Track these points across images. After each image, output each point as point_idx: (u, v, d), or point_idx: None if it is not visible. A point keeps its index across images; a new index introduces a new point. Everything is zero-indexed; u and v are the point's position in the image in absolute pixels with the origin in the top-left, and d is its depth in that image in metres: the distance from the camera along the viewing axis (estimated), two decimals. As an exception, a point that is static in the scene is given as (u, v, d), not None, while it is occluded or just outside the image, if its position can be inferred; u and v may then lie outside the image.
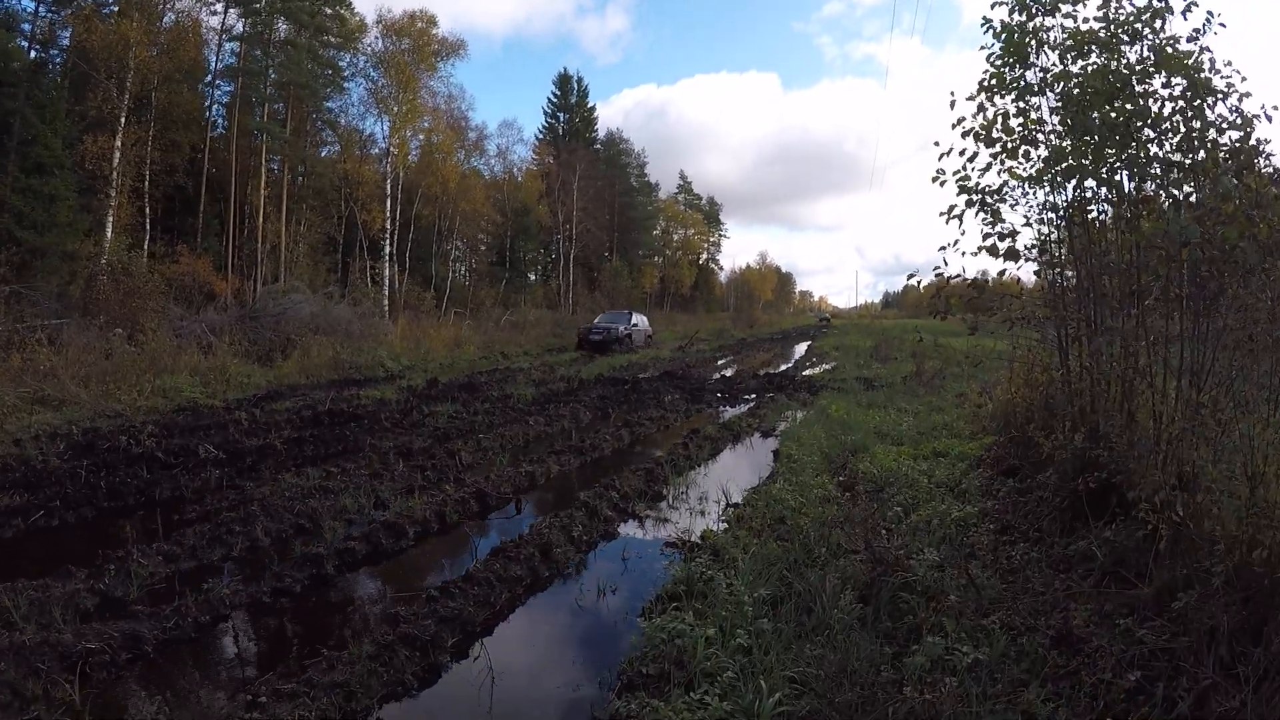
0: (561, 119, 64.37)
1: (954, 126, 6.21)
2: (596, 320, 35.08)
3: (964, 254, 5.95)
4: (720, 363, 27.79)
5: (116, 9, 26.86)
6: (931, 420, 12.02)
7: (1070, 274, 6.51)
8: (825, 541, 5.96)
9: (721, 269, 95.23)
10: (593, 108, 66.58)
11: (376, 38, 35.62)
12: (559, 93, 64.79)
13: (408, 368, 22.07)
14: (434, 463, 9.54)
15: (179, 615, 4.99)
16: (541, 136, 62.33)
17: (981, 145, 6.14)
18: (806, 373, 22.06)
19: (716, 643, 4.39)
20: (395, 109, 35.03)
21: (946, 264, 5.94)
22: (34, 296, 17.64)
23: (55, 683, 4.14)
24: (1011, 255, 6.06)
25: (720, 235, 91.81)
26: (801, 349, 36.74)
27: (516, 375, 20.20)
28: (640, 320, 36.12)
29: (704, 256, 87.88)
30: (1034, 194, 6.28)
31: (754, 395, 16.43)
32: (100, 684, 4.30)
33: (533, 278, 56.34)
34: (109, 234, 24.57)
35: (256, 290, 27.84)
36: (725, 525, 7.17)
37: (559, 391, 16.72)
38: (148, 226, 27.56)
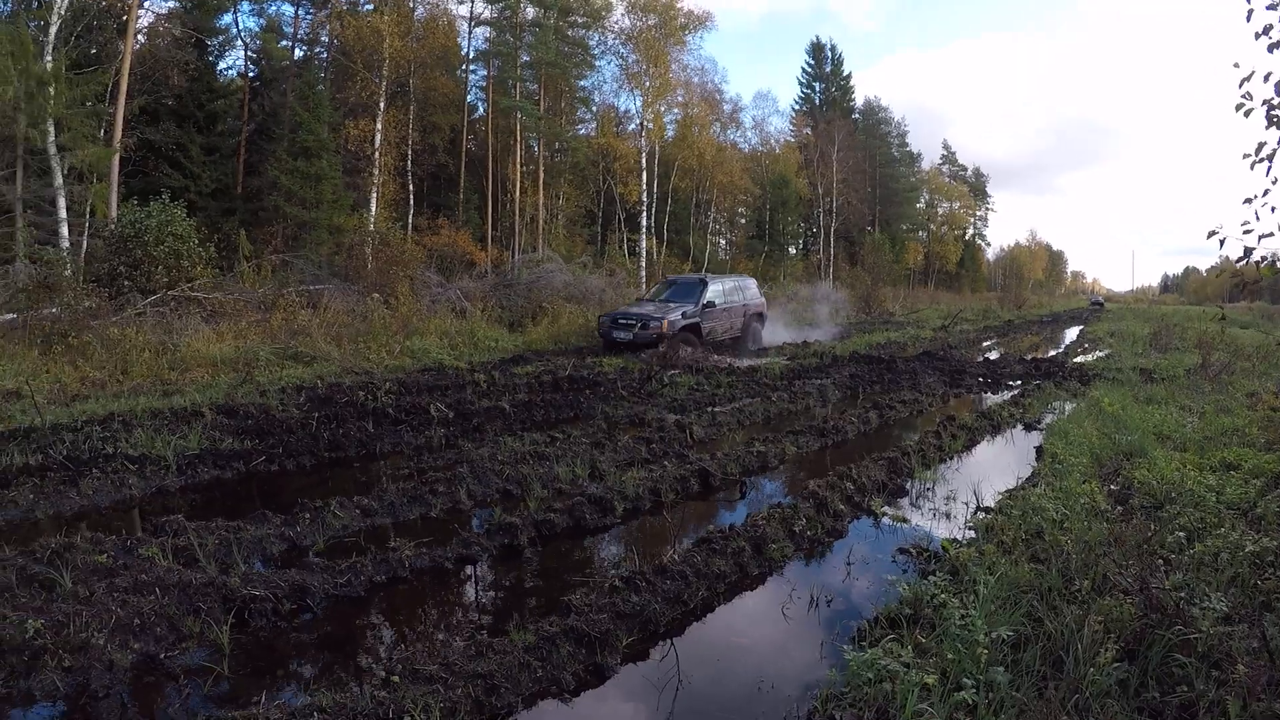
0: (817, 89, 64.34)
1: (1257, 38, 4.72)
2: (643, 300, 21.53)
3: (1276, 209, 4.50)
4: (984, 344, 26.46)
5: (371, 6, 30.77)
6: (1219, 423, 10.22)
7: None
8: (1089, 570, 4.89)
9: (988, 245, 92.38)
10: (848, 76, 66.04)
11: (623, 15, 37.19)
12: (813, 62, 64.72)
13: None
14: (662, 435, 9.33)
15: (352, 573, 5.00)
16: (798, 107, 62.65)
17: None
18: (1078, 360, 20.25)
19: (935, 694, 3.57)
20: (647, 84, 36.35)
21: (1258, 218, 4.52)
22: (300, 264, 20.01)
23: (211, 624, 4.24)
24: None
25: (987, 209, 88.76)
26: (1072, 333, 34.25)
27: (769, 348, 19.83)
28: (732, 294, 20.41)
29: (970, 232, 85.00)
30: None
31: (1019, 381, 15.39)
32: (253, 631, 4.37)
33: (793, 251, 56.53)
34: (373, 209, 27.98)
35: (514, 260, 29.67)
36: (971, 534, 6.28)
37: (809, 367, 16.29)
38: (411, 201, 31.13)
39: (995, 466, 8.85)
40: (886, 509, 7.04)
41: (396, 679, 3.70)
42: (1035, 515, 6.17)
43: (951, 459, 9.19)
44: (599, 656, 4.16)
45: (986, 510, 6.87)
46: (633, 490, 6.93)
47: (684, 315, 18.28)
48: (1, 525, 6.01)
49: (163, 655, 4.02)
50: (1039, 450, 9.33)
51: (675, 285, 20.48)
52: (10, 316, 13.70)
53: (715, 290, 19.47)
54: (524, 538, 5.87)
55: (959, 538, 6.16)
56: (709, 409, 11.07)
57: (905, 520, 6.81)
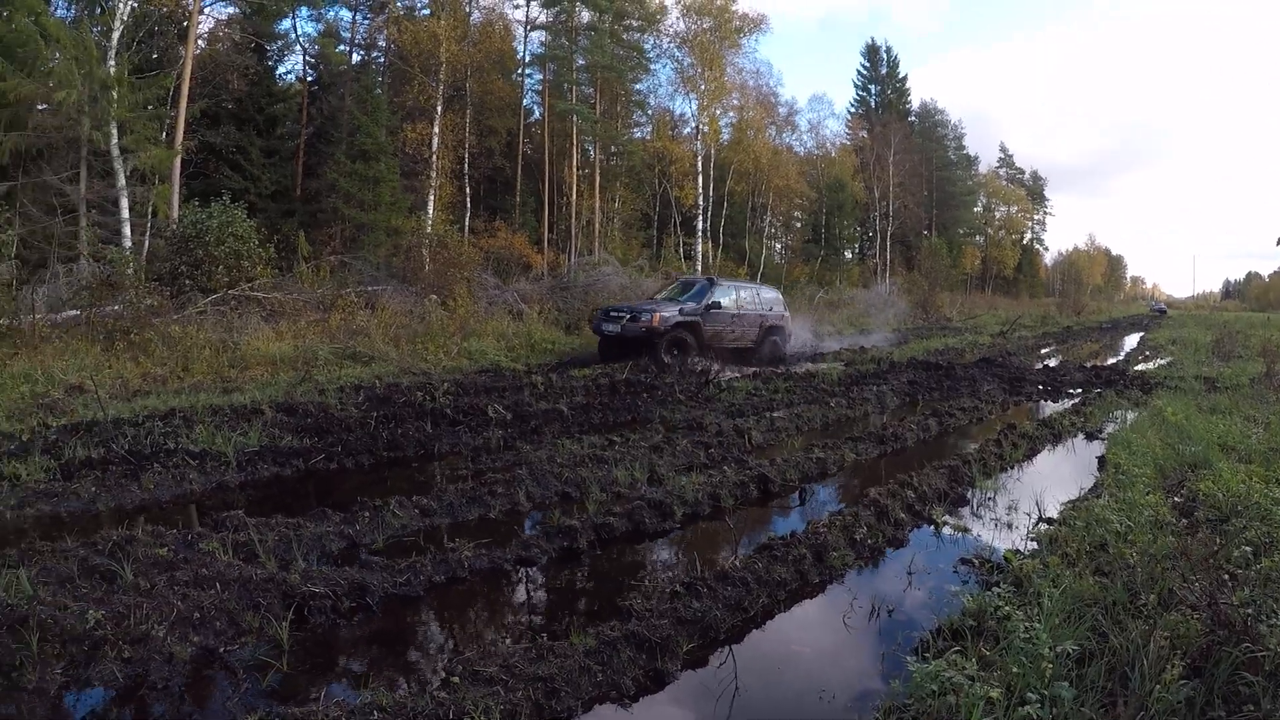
0: (873, 91, 64.18)
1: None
2: (653, 298, 19.51)
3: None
4: (1043, 351, 26.46)
5: (427, 11, 31.30)
6: (1287, 434, 9.90)
7: None
8: (1155, 585, 4.69)
9: (1046, 250, 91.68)
10: (904, 78, 65.70)
11: (677, 18, 37.37)
12: (868, 64, 64.48)
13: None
14: (721, 440, 9.25)
15: (412, 572, 4.97)
16: (854, 110, 62.36)
17: None
18: (1139, 368, 20.21)
19: (999, 708, 3.42)
20: (702, 87, 36.54)
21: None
22: (358, 265, 20.33)
23: (270, 620, 4.23)
24: None
25: (1045, 213, 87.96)
26: (1133, 340, 34.09)
27: (825, 354, 19.60)
28: (747, 302, 18.90)
29: (1027, 236, 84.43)
30: None
31: (1079, 389, 15.26)
32: (312, 628, 4.36)
33: (849, 256, 56.27)
34: (430, 211, 28.33)
35: (570, 263, 29.87)
36: (1034, 545, 6.11)
37: (867, 373, 16.27)
38: (468, 204, 31.58)
39: (1057, 476, 8.73)
40: (948, 518, 6.93)
41: (456, 680, 3.64)
42: (1099, 527, 6.06)
43: (1012, 468, 9.07)
44: (659, 662, 4.09)
45: (1049, 521, 6.74)
46: (692, 495, 6.85)
47: (681, 313, 16.95)
48: (64, 517, 6.11)
49: (222, 649, 4.02)
50: (1101, 460, 9.20)
51: (686, 285, 19.29)
52: (74, 313, 14.06)
53: (725, 293, 18.22)
54: (583, 541, 5.82)
55: (1021, 549, 6.03)
56: (767, 414, 11.02)
57: (966, 530, 6.70)
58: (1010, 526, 6.81)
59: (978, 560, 5.76)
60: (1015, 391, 14.67)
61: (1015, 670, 3.76)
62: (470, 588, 5.11)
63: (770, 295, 20.06)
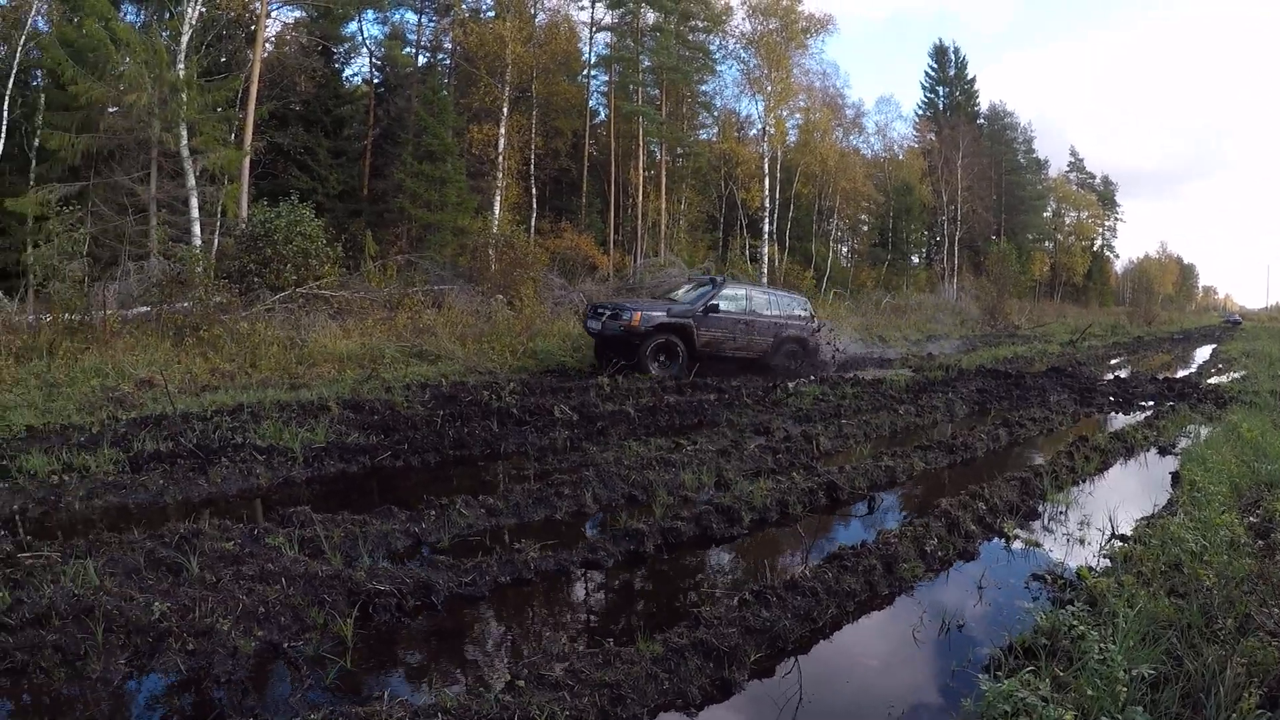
0: (940, 93, 63.22)
1: None
2: (675, 296, 17.76)
3: None
4: (1113, 361, 26.03)
5: (492, 13, 31.78)
6: (1367, 453, 9.53)
7: None
8: (1232, 608, 4.53)
9: (1116, 257, 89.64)
10: (972, 80, 64.67)
11: (743, 19, 37.22)
12: (936, 65, 63.52)
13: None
14: (789, 445, 9.14)
15: (477, 572, 4.92)
16: (921, 112, 61.46)
17: None
18: (1212, 380, 19.67)
19: None
20: (768, 89, 36.32)
21: None
22: (425, 265, 20.62)
23: (335, 616, 4.20)
24: None
25: (1116, 219, 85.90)
26: (1205, 352, 33.53)
27: (891, 360, 19.34)
28: (762, 307, 17.00)
29: (1097, 242, 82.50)
30: None
31: (1151, 402, 15.00)
32: (377, 626, 4.32)
33: (915, 260, 55.73)
34: (496, 211, 28.63)
35: (636, 265, 29.97)
36: (1106, 563, 5.92)
37: (935, 380, 16.07)
38: (534, 205, 31.93)
39: (1129, 492, 8.52)
40: (1019, 532, 6.78)
41: (521, 683, 3.58)
42: (1174, 546, 5.88)
43: (1084, 482, 8.82)
44: (726, 671, 4.00)
45: (1122, 538, 6.55)
46: (760, 501, 6.73)
47: (669, 314, 15.25)
48: (132, 508, 6.20)
49: (286, 644, 4.00)
50: (1174, 476, 8.97)
51: (699, 284, 17.53)
52: (145, 309, 14.43)
53: (730, 296, 16.28)
54: (650, 545, 5.74)
55: (1094, 566, 5.86)
56: (835, 420, 10.92)
57: (1038, 544, 6.54)
58: (1082, 542, 6.65)
59: (1050, 576, 5.62)
60: (1086, 402, 14.43)
61: (1090, 693, 3.68)
62: (535, 589, 5.05)
63: (791, 301, 18.06)
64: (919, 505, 7.48)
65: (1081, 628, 4.31)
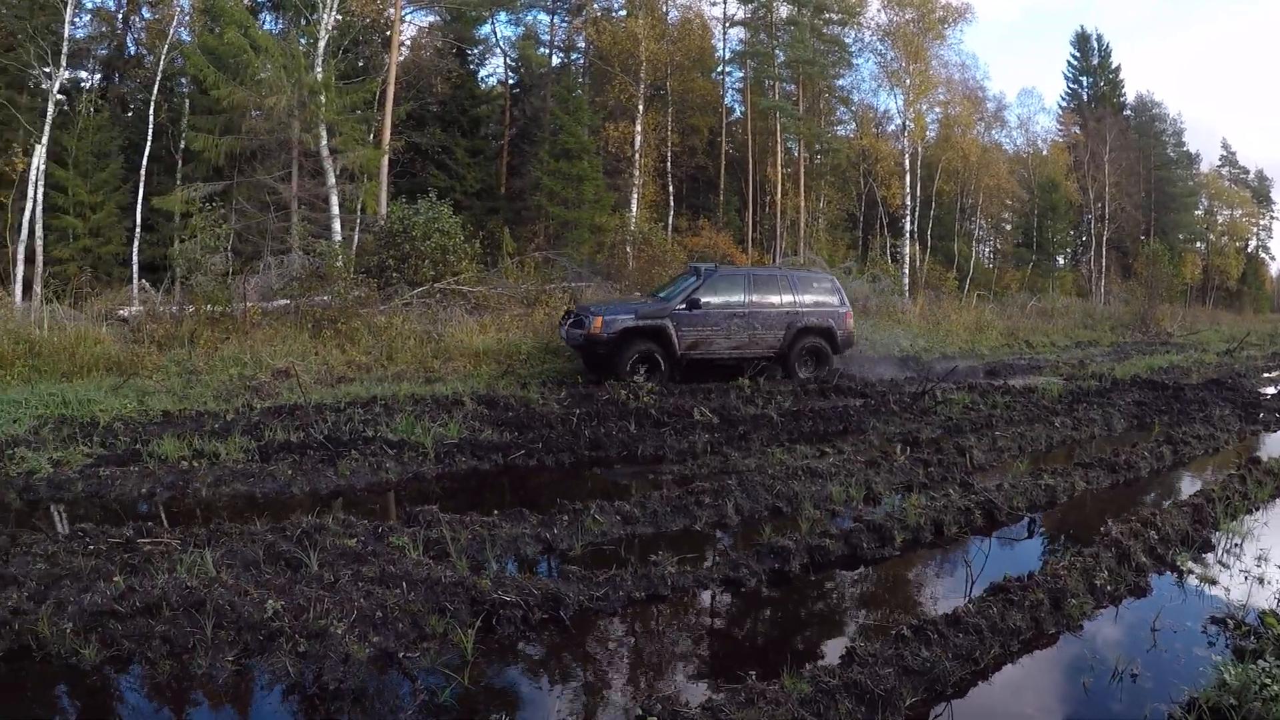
0: (1084, 83, 59.29)
1: None
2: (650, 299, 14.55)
3: None
4: (1275, 374, 23.68)
5: (625, 12, 31.92)
6: None
7: None
8: None
9: (1273, 259, 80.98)
10: (1117, 69, 60.25)
11: (879, 10, 36.12)
12: (1078, 54, 59.62)
13: (924, 349, 21.50)
14: (940, 458, 8.49)
15: (610, 585, 4.61)
16: (1064, 104, 58.01)
17: None
18: None
19: None
20: (907, 82, 35.13)
21: None
22: (562, 262, 20.66)
23: (456, 627, 3.94)
24: None
25: (1271, 218, 77.63)
26: None
27: (1042, 367, 18.64)
28: (763, 293, 14.09)
29: (1252, 243, 75.00)
30: None
31: None
32: (499, 639, 4.05)
33: (1061, 262, 52.60)
34: (634, 209, 28.77)
35: (775, 263, 29.58)
36: None
37: (1089, 390, 14.88)
38: (671, 203, 31.81)
39: None
40: (1192, 565, 6.02)
41: (654, 719, 3.18)
42: None
43: (1259, 510, 7.83)
44: (879, 716, 3.57)
45: None
46: (913, 519, 6.17)
47: (636, 316, 12.80)
48: (258, 498, 6.18)
49: (402, 653, 3.77)
50: None
51: (692, 275, 14.35)
52: (284, 302, 14.84)
53: (719, 287, 13.60)
54: (795, 563, 5.29)
55: (1278, 610, 5.12)
56: (987, 431, 10.21)
57: (1214, 581, 5.80)
58: (1261, 581, 5.87)
59: (1231, 620, 4.96)
60: (1251, 418, 13.17)
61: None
62: (671, 607, 4.69)
63: (811, 281, 15.04)
64: (1082, 530, 6.85)
65: (1275, 687, 3.81)
